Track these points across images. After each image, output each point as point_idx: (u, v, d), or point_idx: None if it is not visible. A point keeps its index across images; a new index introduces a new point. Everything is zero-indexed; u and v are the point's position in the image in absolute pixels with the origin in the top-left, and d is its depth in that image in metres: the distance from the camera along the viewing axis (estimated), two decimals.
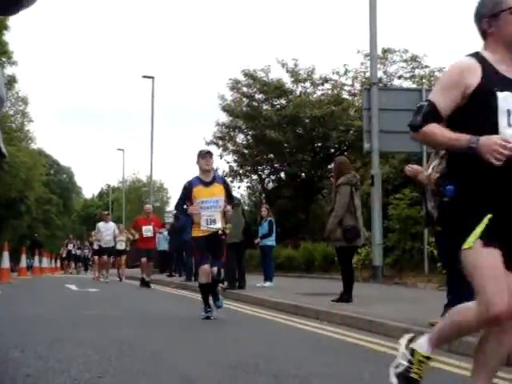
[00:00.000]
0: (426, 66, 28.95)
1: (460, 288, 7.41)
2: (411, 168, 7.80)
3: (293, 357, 6.20)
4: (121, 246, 24.20)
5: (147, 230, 19.24)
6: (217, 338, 7.66)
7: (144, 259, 19.27)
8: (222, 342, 7.25)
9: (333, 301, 10.48)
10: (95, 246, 25.63)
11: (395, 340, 7.23)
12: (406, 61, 29.21)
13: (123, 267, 25.21)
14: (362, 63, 29.37)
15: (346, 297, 10.55)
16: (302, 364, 5.78)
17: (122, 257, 24.86)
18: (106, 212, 26.78)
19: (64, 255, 41.69)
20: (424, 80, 27.43)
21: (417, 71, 29.10)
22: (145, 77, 38.47)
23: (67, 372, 5.16)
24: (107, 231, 23.47)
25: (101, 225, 23.87)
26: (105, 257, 23.77)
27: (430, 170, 7.59)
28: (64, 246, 41.87)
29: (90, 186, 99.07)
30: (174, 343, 7.10)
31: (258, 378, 5.08)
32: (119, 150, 60.77)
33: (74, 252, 41.13)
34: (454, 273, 7.58)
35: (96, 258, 25.71)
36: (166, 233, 26.38)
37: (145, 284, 19.01)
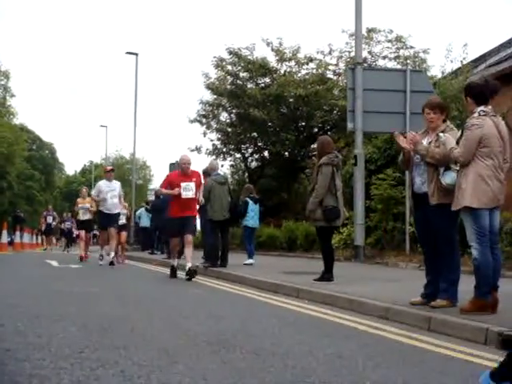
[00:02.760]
0: (411, 47, 28.96)
1: (438, 268, 7.48)
2: (413, 135, 7.70)
3: (272, 334, 6.23)
4: (121, 219, 19.59)
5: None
6: (197, 314, 7.67)
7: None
8: (202, 318, 7.26)
9: (315, 280, 10.51)
10: (83, 215, 20.58)
11: (375, 319, 7.33)
12: (390, 41, 29.20)
13: (124, 246, 21.14)
14: (346, 43, 29.37)
15: (327, 276, 10.59)
16: (282, 341, 5.80)
17: (122, 233, 20.22)
18: (109, 167, 19.71)
19: (43, 229, 37.50)
20: (408, 61, 27.46)
21: (401, 52, 29.11)
22: (128, 53, 38.22)
23: (47, 347, 5.15)
24: (113, 191, 17.68)
25: (103, 184, 17.90)
26: (112, 228, 17.59)
27: (424, 143, 7.55)
28: (43, 219, 36.98)
29: (72, 162, 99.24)
30: (153, 319, 7.10)
31: (238, 355, 5.09)
32: (102, 126, 60.70)
33: (53, 226, 36.94)
34: (431, 252, 7.64)
35: (82, 232, 20.50)
36: (143, 210, 26.52)
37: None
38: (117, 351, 5.05)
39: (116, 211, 17.85)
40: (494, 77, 7.83)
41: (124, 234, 20.60)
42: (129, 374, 4.25)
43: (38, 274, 14.96)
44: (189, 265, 12.44)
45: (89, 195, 20.72)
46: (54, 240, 40.53)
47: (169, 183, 13.08)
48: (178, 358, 4.86)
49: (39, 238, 44.02)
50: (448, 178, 7.20)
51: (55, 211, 41.07)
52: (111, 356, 4.83)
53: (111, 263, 17.02)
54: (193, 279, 12.40)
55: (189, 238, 12.90)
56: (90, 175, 73.62)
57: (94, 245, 30.21)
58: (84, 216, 20.56)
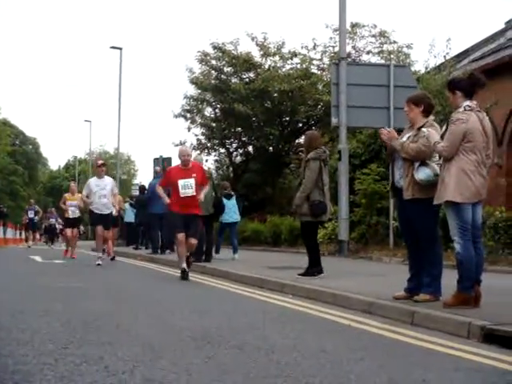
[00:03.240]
0: (395, 42, 29.04)
1: (421, 262, 7.53)
2: (388, 131, 7.79)
3: (257, 329, 6.24)
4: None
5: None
6: (181, 309, 7.67)
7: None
8: (186, 313, 7.26)
9: (299, 275, 10.52)
10: (72, 213, 19.92)
11: (359, 313, 7.36)
12: (374, 36, 29.26)
13: (112, 242, 18.86)
14: (330, 38, 29.41)
15: (311, 271, 10.60)
16: (266, 336, 5.82)
17: (113, 229, 19.05)
18: (100, 161, 17.59)
19: (26, 223, 35.50)
20: (392, 56, 27.51)
21: (385, 47, 29.18)
22: (113, 47, 38.07)
23: (31, 343, 5.14)
24: (102, 190, 16.12)
25: (93, 182, 16.44)
26: (99, 227, 16.07)
27: (404, 138, 7.61)
28: (25, 214, 35.67)
29: (56, 157, 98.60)
30: (138, 315, 7.10)
31: (222, 350, 5.10)
32: (86, 121, 60.44)
33: (36, 220, 35.25)
34: (414, 246, 7.69)
35: (68, 230, 20.00)
36: (127, 205, 26.41)
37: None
38: (101, 347, 5.04)
39: (107, 211, 16.22)
40: (477, 72, 7.86)
41: (115, 229, 20.10)
42: (113, 370, 4.25)
43: (21, 269, 14.93)
44: (184, 265, 11.70)
45: (79, 192, 20.00)
46: (38, 235, 40.13)
47: (168, 181, 12.13)
48: (162, 354, 4.86)
49: (23, 233, 42.97)
50: (421, 174, 7.27)
51: (39, 206, 39.99)
52: (95, 352, 4.83)
53: (112, 258, 17.56)
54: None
55: (192, 242, 11.98)
56: (74, 170, 73.24)
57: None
58: (73, 214, 19.95)
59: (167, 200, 12.04)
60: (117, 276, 13.16)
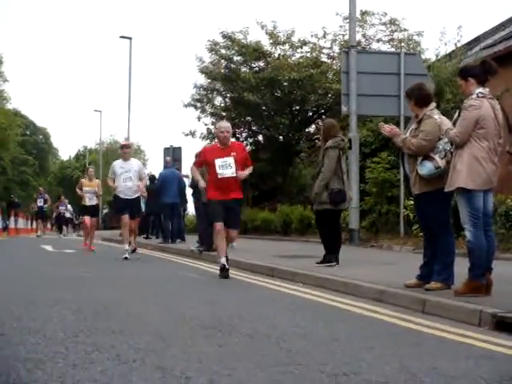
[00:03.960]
0: (405, 30, 28.85)
1: (434, 250, 7.52)
2: (391, 128, 7.81)
3: (268, 317, 6.24)
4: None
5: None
6: (192, 299, 7.68)
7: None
8: (197, 303, 7.27)
9: (317, 263, 10.48)
10: (89, 200, 18.10)
11: (370, 301, 7.35)
12: (384, 24, 29.06)
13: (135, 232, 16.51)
14: (340, 26, 29.19)
15: (329, 258, 10.55)
16: (277, 324, 5.82)
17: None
18: (124, 142, 16.62)
19: (36, 211, 34.04)
20: (402, 44, 27.37)
21: (395, 34, 28.99)
22: (122, 37, 37.97)
23: (42, 331, 5.16)
24: (127, 173, 14.60)
25: (117, 164, 14.81)
26: (125, 215, 14.52)
27: (407, 133, 7.62)
28: (34, 202, 34.03)
29: (66, 147, 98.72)
30: (149, 304, 7.11)
31: (233, 338, 5.10)
32: (96, 111, 60.35)
33: (45, 209, 33.86)
34: (429, 235, 7.68)
35: (87, 218, 18.20)
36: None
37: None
38: (112, 335, 5.06)
39: (133, 196, 14.61)
40: (493, 62, 7.85)
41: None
42: (124, 358, 4.25)
43: (32, 259, 14.97)
44: (224, 260, 10.16)
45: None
46: (49, 225, 40.16)
47: (204, 161, 10.69)
48: (173, 342, 4.87)
49: (34, 223, 42.74)
50: (423, 170, 7.28)
51: (50, 196, 39.55)
52: (106, 340, 4.84)
53: (133, 250, 15.65)
54: (192, 264, 12.13)
55: (233, 234, 10.63)
56: (84, 160, 73.37)
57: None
58: (90, 201, 18.11)
59: (203, 183, 10.85)
60: (127, 265, 13.17)
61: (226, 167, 10.18)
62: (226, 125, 10.57)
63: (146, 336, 5.08)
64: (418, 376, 3.96)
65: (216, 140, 10.55)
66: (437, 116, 7.44)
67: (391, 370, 4.11)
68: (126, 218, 14.50)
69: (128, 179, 14.51)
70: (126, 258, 13.93)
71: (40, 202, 32.97)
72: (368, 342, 5.05)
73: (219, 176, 10.16)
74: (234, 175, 10.20)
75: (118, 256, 14.46)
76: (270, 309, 6.84)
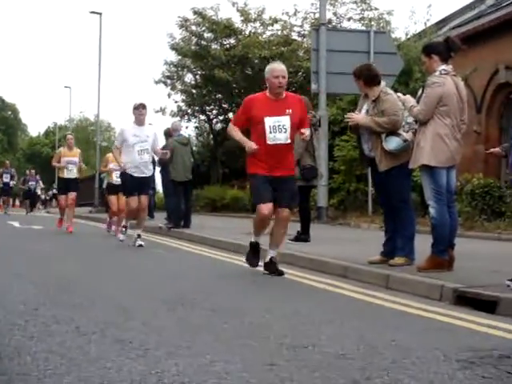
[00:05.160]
0: (376, 9, 28.88)
1: (396, 226, 7.58)
2: (352, 116, 7.76)
3: (231, 293, 6.26)
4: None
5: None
6: (156, 273, 7.68)
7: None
8: (161, 277, 7.27)
9: (290, 240, 10.48)
10: (68, 173, 15.39)
11: (335, 277, 7.38)
12: (355, 2, 29.07)
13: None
14: (312, 4, 29.14)
15: (304, 237, 10.58)
16: (240, 299, 5.84)
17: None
18: (138, 103, 11.46)
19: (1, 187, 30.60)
20: (373, 22, 27.38)
21: (366, 13, 29.03)
22: (92, 12, 37.60)
23: (1, 304, 5.12)
24: (143, 143, 11.24)
25: (129, 130, 11.29)
26: (133, 199, 11.31)
27: (363, 112, 7.65)
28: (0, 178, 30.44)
29: (36, 123, 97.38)
30: (112, 278, 7.10)
31: (195, 312, 5.11)
32: (66, 87, 59.81)
33: (12, 185, 31.25)
34: (390, 211, 7.74)
35: (62, 196, 15.65)
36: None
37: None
38: (73, 309, 5.03)
39: (148, 173, 11.60)
40: (457, 39, 7.89)
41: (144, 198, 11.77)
42: (83, 331, 4.23)
43: None
44: (272, 253, 7.69)
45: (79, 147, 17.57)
46: (18, 202, 39.22)
47: (246, 118, 7.64)
48: (134, 315, 4.85)
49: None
50: (391, 144, 7.32)
51: (18, 173, 38.01)
52: (67, 313, 4.81)
53: (140, 245, 11.15)
54: (156, 240, 11.95)
55: (284, 213, 7.58)
56: (54, 137, 72.73)
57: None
58: (69, 174, 15.36)
59: (251, 145, 7.42)
60: (94, 241, 13.12)
61: (279, 130, 7.39)
62: (281, 67, 7.67)
63: (108, 309, 5.07)
64: (376, 348, 3.98)
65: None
66: (390, 91, 7.53)
67: (350, 342, 4.13)
68: (133, 202, 11.30)
69: (144, 151, 11.24)
70: (140, 245, 11.08)
71: (6, 178, 30.30)
72: (329, 316, 5.08)
73: (270, 141, 7.38)
74: (288, 142, 7.49)
75: (86, 231, 14.37)
76: (234, 284, 6.86)
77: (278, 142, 7.35)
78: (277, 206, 7.51)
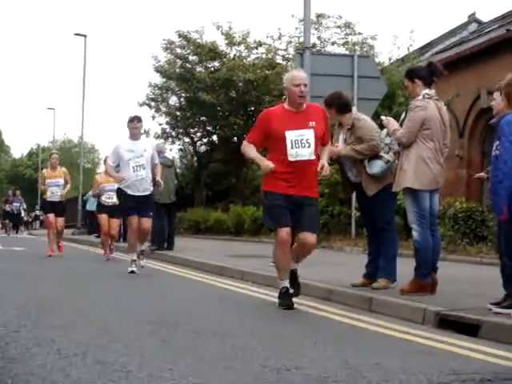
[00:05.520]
0: (359, 33, 29.10)
1: (378, 247, 7.61)
2: (335, 146, 7.79)
3: (214, 315, 6.24)
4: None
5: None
6: (139, 295, 7.64)
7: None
8: (144, 299, 7.23)
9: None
10: (51, 195, 14.43)
11: (319, 300, 7.38)
12: (339, 27, 29.28)
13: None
14: (296, 28, 29.30)
15: None
16: (223, 322, 5.81)
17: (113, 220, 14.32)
18: (133, 116, 10.94)
19: None
20: (357, 47, 27.58)
21: (350, 38, 29.23)
22: (77, 34, 37.69)
23: None
24: (139, 158, 10.53)
25: (123, 145, 10.67)
26: (134, 218, 10.52)
27: (340, 142, 7.72)
28: None
29: (18, 145, 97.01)
30: (95, 300, 7.05)
31: (177, 334, 5.09)
32: (50, 109, 59.56)
33: None
34: (374, 232, 7.78)
35: (51, 216, 14.51)
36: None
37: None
38: (55, 330, 5.00)
39: (146, 192, 10.56)
40: (439, 64, 7.98)
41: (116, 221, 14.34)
42: (65, 353, 4.20)
43: None
44: (287, 283, 6.96)
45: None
46: None
47: (264, 133, 6.90)
48: (117, 337, 4.83)
49: None
50: (375, 168, 7.40)
51: (0, 195, 37.47)
52: (48, 335, 4.78)
53: (132, 271, 10.31)
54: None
55: (311, 241, 6.93)
56: (37, 158, 72.48)
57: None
58: (52, 197, 14.39)
59: (267, 164, 6.66)
60: (77, 263, 13.04)
61: (301, 144, 6.62)
62: (302, 75, 7.01)
63: (90, 331, 5.04)
64: (359, 371, 3.98)
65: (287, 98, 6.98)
66: (363, 116, 7.61)
67: (334, 365, 4.13)
68: (134, 222, 10.49)
69: (140, 167, 10.46)
70: (132, 271, 10.26)
71: None
72: (312, 339, 5.07)
73: (290, 158, 6.61)
74: (312, 158, 6.69)
75: (68, 253, 14.27)
76: (217, 307, 6.84)
77: (301, 159, 6.59)
78: (297, 233, 6.77)
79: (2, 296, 6.95)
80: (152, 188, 10.81)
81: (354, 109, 7.75)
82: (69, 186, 14.75)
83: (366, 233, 8.41)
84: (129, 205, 10.48)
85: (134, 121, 10.70)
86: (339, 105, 7.64)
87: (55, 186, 14.37)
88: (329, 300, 7.42)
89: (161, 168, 11.54)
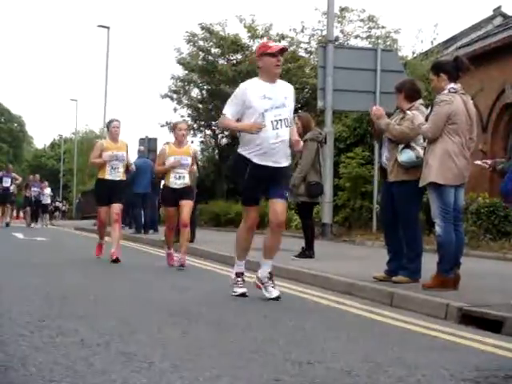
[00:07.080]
0: (383, 27, 28.98)
1: (400, 244, 7.55)
2: (378, 108, 7.77)
3: (236, 307, 6.25)
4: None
5: None
6: (161, 287, 7.67)
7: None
8: (165, 291, 7.26)
9: (295, 256, 10.46)
10: (112, 172, 10.88)
11: (339, 294, 7.37)
12: (362, 20, 29.18)
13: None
14: (319, 21, 29.23)
15: (309, 253, 10.56)
16: (245, 314, 5.82)
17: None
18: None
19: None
20: (380, 40, 27.47)
21: (373, 31, 29.13)
22: (100, 26, 37.78)
23: (7, 315, 5.13)
24: (276, 110, 6.67)
25: (254, 88, 6.79)
26: (171, 209, 10.17)
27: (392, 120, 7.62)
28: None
29: (41, 136, 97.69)
30: (117, 291, 7.09)
31: (200, 326, 5.10)
32: (72, 100, 60.02)
33: (11, 190, 26.47)
34: (390, 227, 7.71)
35: (102, 209, 11.15)
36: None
37: None
38: (78, 320, 5.02)
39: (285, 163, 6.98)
40: (465, 59, 7.92)
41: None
42: (88, 343, 4.23)
43: (2, 246, 14.84)
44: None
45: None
46: (21, 211, 36.12)
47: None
48: (139, 328, 4.85)
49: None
50: (403, 156, 7.30)
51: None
52: (71, 325, 4.81)
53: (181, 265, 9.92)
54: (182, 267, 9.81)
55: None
56: (59, 149, 72.89)
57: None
58: (113, 174, 10.83)
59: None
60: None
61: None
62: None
63: (113, 321, 5.06)
64: (381, 365, 3.97)
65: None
66: (424, 109, 7.48)
67: (355, 359, 4.12)
68: (171, 211, 10.23)
69: (281, 123, 6.76)
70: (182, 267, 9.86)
71: (6, 183, 25.77)
72: (333, 333, 5.07)
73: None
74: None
75: (88, 244, 14.32)
76: (239, 299, 6.83)
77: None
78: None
79: (26, 285, 7.01)
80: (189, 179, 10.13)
81: (421, 101, 7.63)
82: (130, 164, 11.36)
83: (383, 227, 8.29)
84: (167, 196, 10.06)
85: (180, 129, 10.17)
86: (409, 89, 7.58)
87: (118, 160, 10.90)
88: (350, 294, 7.40)
89: (194, 169, 10.67)
